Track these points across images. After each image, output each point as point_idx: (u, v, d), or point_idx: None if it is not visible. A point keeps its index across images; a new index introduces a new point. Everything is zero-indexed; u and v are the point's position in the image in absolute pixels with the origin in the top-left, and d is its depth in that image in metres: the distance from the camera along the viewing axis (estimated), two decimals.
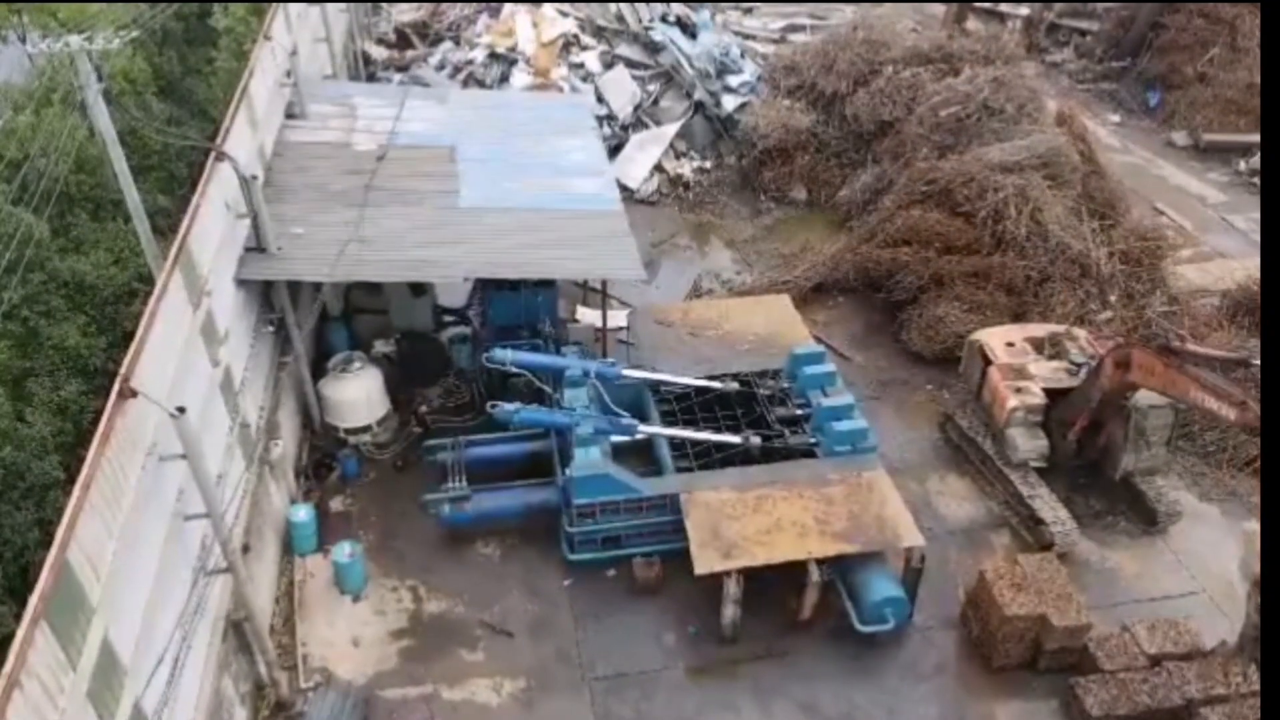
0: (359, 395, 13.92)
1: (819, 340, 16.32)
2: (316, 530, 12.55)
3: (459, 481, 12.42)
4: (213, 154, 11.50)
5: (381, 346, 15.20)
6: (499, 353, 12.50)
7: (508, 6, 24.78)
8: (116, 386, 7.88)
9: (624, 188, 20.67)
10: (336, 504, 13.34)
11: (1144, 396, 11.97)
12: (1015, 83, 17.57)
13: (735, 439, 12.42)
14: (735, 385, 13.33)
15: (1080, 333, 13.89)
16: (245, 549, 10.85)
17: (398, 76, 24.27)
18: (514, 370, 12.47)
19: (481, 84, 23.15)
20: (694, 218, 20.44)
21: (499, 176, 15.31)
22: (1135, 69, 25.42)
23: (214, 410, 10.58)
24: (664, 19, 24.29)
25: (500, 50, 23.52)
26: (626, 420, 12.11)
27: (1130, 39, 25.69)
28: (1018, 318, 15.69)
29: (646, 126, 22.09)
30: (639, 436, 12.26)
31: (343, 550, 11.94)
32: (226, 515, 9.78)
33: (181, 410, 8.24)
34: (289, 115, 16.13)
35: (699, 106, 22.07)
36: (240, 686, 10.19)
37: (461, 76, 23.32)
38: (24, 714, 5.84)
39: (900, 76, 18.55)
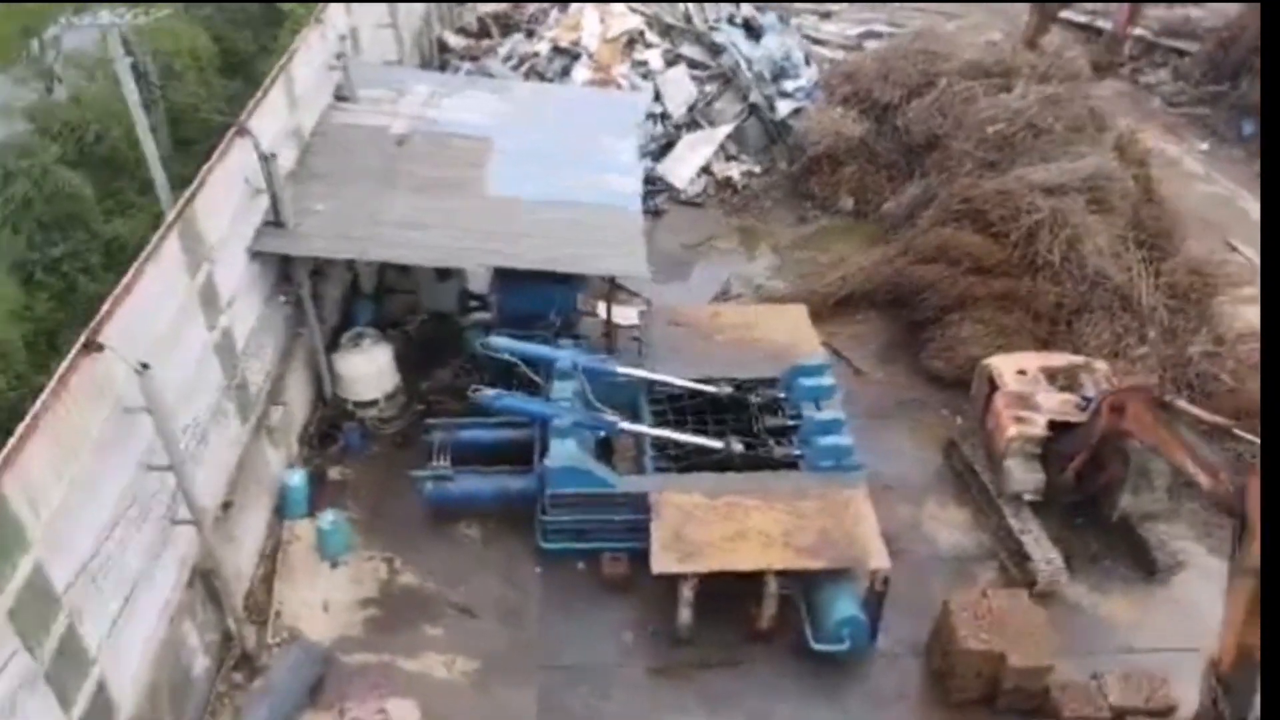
0: (368, 370, 14.38)
1: (837, 353, 16.13)
2: (309, 496, 13.05)
3: (444, 461, 12.73)
4: (233, 129, 12.06)
5: (403, 327, 15.71)
6: (494, 340, 12.76)
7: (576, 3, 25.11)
8: (82, 338, 8.41)
9: (670, 187, 20.83)
10: (335, 473, 13.82)
11: None
12: (1070, 102, 16.84)
13: (717, 444, 12.36)
14: (729, 390, 13.24)
15: (1101, 366, 13.27)
16: (227, 505, 11.41)
17: (466, 66, 24.88)
18: (511, 358, 12.69)
19: (543, 77, 23.53)
20: (736, 221, 20.31)
21: (530, 169, 15.51)
22: (1233, 95, 23.98)
23: (208, 371, 11.14)
24: (730, 20, 24.20)
25: (564, 45, 23.84)
26: (608, 416, 12.18)
27: (1230, 62, 24.25)
28: (1045, 346, 15.08)
29: (700, 127, 22.07)
30: (619, 433, 12.31)
31: (326, 517, 12.40)
32: (202, 470, 10.36)
33: (145, 366, 8.74)
34: (339, 97, 16.73)
35: (754, 110, 21.93)
36: (206, 635, 10.72)
37: (525, 69, 23.73)
38: None
39: (954, 89, 18.01)
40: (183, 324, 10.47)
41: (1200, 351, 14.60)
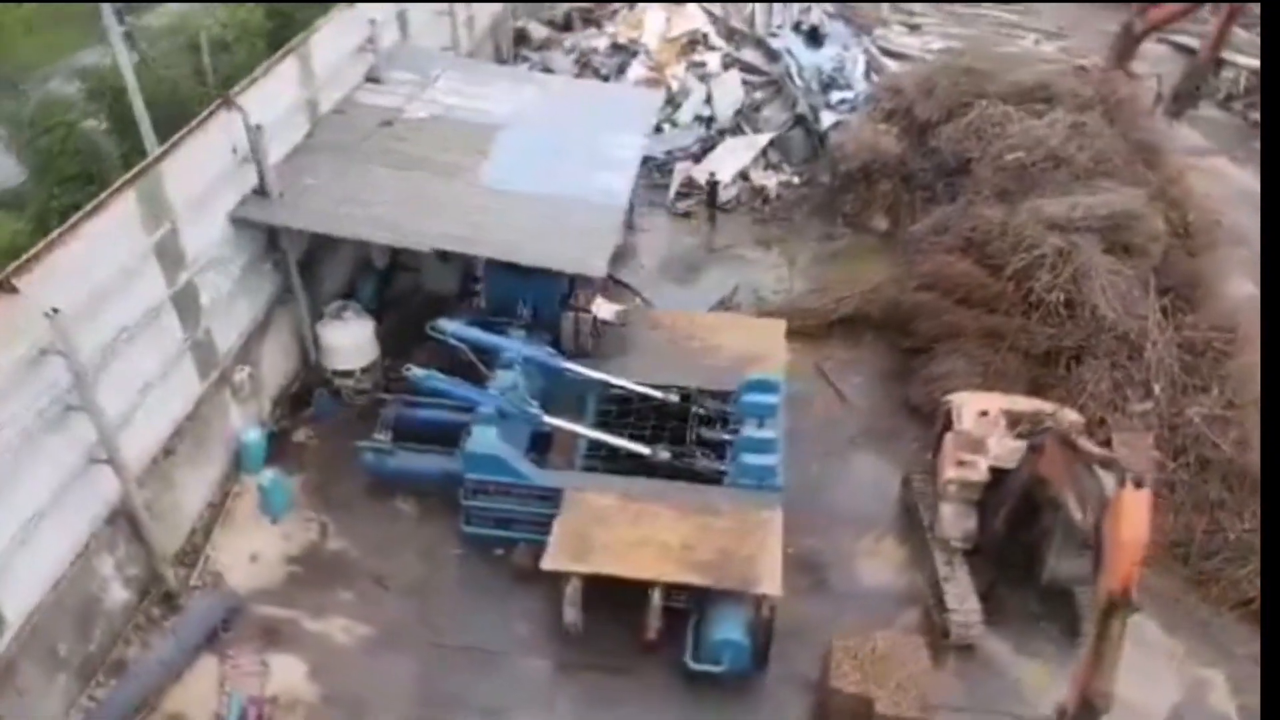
0: (347, 341, 14.94)
1: (824, 376, 15.74)
2: (265, 453, 13.71)
3: (385, 435, 13.15)
4: (220, 101, 12.79)
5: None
6: (443, 323, 13.07)
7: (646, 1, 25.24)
8: None
9: (701, 189, 20.68)
10: (300, 435, 14.48)
11: None
12: (1101, 134, 15.76)
13: (644, 450, 12.29)
14: (675, 398, 13.13)
15: (1070, 415, 12.43)
16: (168, 452, 12.15)
17: (533, 58, 25.39)
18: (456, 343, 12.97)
19: (598, 73, 23.79)
20: (762, 231, 19.99)
21: (531, 161, 15.76)
22: None
23: (162, 322, 11.87)
24: (796, 27, 23.80)
25: (623, 42, 24.00)
26: (532, 409, 12.30)
27: None
28: (1036, 390, 14.24)
29: (744, 133, 21.83)
30: (542, 426, 12.40)
31: (266, 475, 13.02)
32: (142, 415, 11.12)
33: (55, 311, 9.45)
34: (369, 79, 17.43)
35: (800, 120, 21.51)
36: (128, 570, 11.46)
37: (582, 65, 24.04)
38: None
39: (990, 111, 17.16)
40: (133, 276, 11.18)
41: (1203, 414, 13.45)
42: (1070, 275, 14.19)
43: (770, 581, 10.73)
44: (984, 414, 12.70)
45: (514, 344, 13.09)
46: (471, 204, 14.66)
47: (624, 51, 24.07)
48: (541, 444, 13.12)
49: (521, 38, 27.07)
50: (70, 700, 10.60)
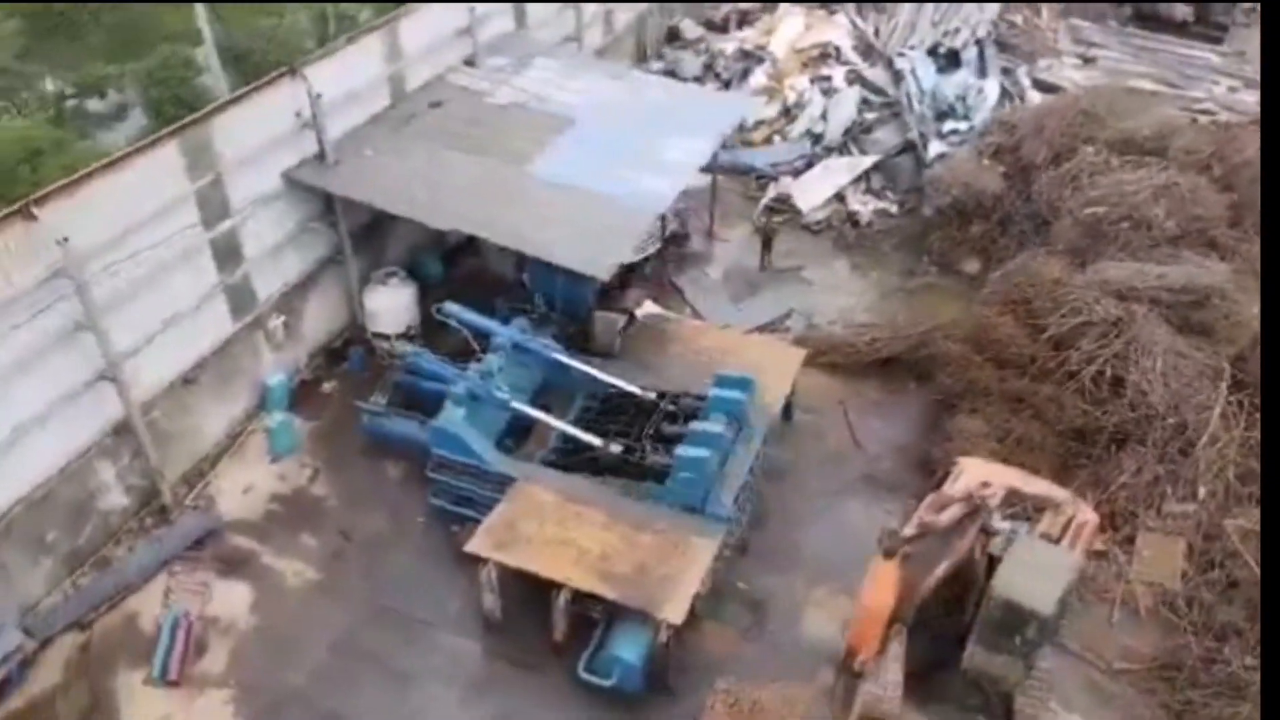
0: (388, 305, 15.83)
1: (845, 417, 15.11)
2: (288, 398, 14.80)
3: (382, 398, 13.87)
4: (286, 69, 13.88)
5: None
6: (449, 306, 13.61)
7: (784, 5, 24.70)
8: (17, 205, 10.48)
9: (792, 207, 20.21)
10: (327, 387, 15.50)
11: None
12: (1204, 197, 14.00)
13: (597, 441, 12.29)
14: (652, 395, 12.99)
15: (1083, 509, 11.30)
16: (188, 381, 13.41)
17: (669, 56, 25.53)
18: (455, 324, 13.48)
19: (719, 77, 23.63)
20: (843, 259, 19.27)
21: (586, 156, 16.01)
22: None
23: (197, 264, 13.09)
24: (934, 49, 22.62)
25: (750, 48, 23.68)
26: (502, 394, 12.56)
27: None
28: (1064, 469, 13.07)
29: (850, 153, 21.06)
30: (508, 409, 12.61)
31: (275, 418, 14.07)
32: (161, 342, 12.46)
33: (65, 239, 10.69)
34: (466, 63, 18.25)
35: (909, 146, 20.49)
36: (129, 479, 12.77)
37: (707, 67, 23.94)
38: None
39: (1093, 159, 15.67)
40: (167, 218, 12.40)
41: (1243, 529, 11.82)
42: (1121, 349, 12.78)
43: (674, 608, 10.50)
44: (985, 485, 11.81)
45: (505, 330, 13.40)
46: (514, 192, 15.08)
47: (750, 58, 23.76)
48: (520, 433, 13.37)
49: (674, 36, 27.25)
50: (54, 583, 11.99)
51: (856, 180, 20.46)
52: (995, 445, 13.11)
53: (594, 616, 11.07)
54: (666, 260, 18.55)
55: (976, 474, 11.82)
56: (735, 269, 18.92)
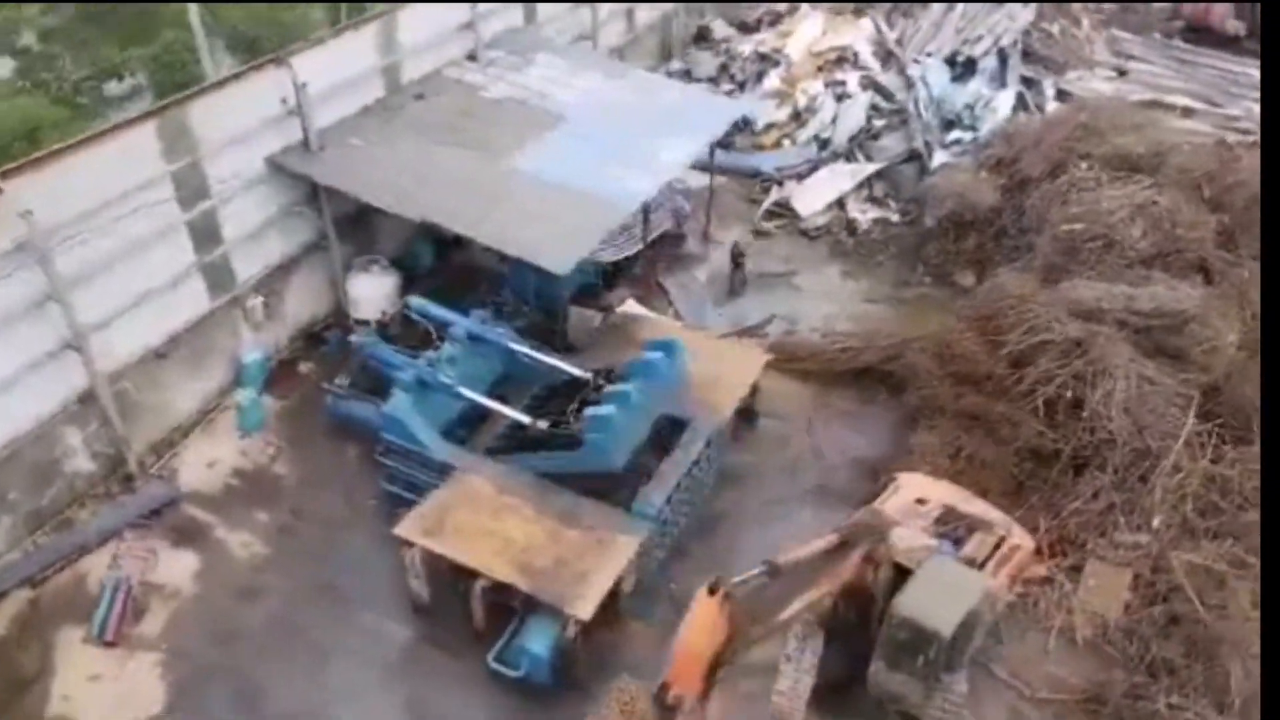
0: (369, 293, 16.16)
1: (809, 425, 14.99)
2: (261, 375, 15.22)
3: (344, 380, 14.21)
4: (269, 58, 14.29)
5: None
6: (413, 300, 13.90)
7: (804, 7, 24.46)
8: None
9: (792, 212, 20.07)
10: (304, 368, 15.91)
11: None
12: (1198, 218, 13.48)
13: (526, 419, 12.43)
14: (589, 375, 13.00)
15: (1017, 534, 11.11)
16: (160, 356, 13.91)
17: (687, 56, 25.51)
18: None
19: (734, 79, 23.53)
20: (836, 265, 19.07)
21: (573, 154, 16.14)
22: None
23: (171, 241, 13.56)
24: (953, 57, 22.18)
25: (767, 50, 23.52)
26: (446, 380, 12.74)
27: None
28: (1017, 490, 12.81)
29: (856, 160, 20.80)
30: (453, 394, 12.76)
31: (245, 394, 14.51)
32: (131, 316, 12.97)
33: (29, 212, 11.20)
34: (469, 57, 18.51)
35: (915, 155, 20.15)
36: (95, 445, 13.30)
37: (722, 69, 23.85)
38: None
39: (1083, 175, 15.23)
40: (143, 194, 12.86)
41: (1190, 563, 11.41)
42: (1081, 370, 12.43)
43: (583, 604, 10.56)
44: (921, 502, 11.68)
45: (462, 321, 13.58)
46: (493, 186, 15.28)
47: (766, 60, 23.60)
48: (474, 422, 13.53)
49: (703, 36, 27.20)
50: (14, 540, 12.57)
51: (859, 187, 20.21)
52: (947, 462, 12.85)
53: (514, 607, 11.18)
54: (656, 260, 18.57)
55: (914, 490, 11.72)
56: (725, 272, 18.82)
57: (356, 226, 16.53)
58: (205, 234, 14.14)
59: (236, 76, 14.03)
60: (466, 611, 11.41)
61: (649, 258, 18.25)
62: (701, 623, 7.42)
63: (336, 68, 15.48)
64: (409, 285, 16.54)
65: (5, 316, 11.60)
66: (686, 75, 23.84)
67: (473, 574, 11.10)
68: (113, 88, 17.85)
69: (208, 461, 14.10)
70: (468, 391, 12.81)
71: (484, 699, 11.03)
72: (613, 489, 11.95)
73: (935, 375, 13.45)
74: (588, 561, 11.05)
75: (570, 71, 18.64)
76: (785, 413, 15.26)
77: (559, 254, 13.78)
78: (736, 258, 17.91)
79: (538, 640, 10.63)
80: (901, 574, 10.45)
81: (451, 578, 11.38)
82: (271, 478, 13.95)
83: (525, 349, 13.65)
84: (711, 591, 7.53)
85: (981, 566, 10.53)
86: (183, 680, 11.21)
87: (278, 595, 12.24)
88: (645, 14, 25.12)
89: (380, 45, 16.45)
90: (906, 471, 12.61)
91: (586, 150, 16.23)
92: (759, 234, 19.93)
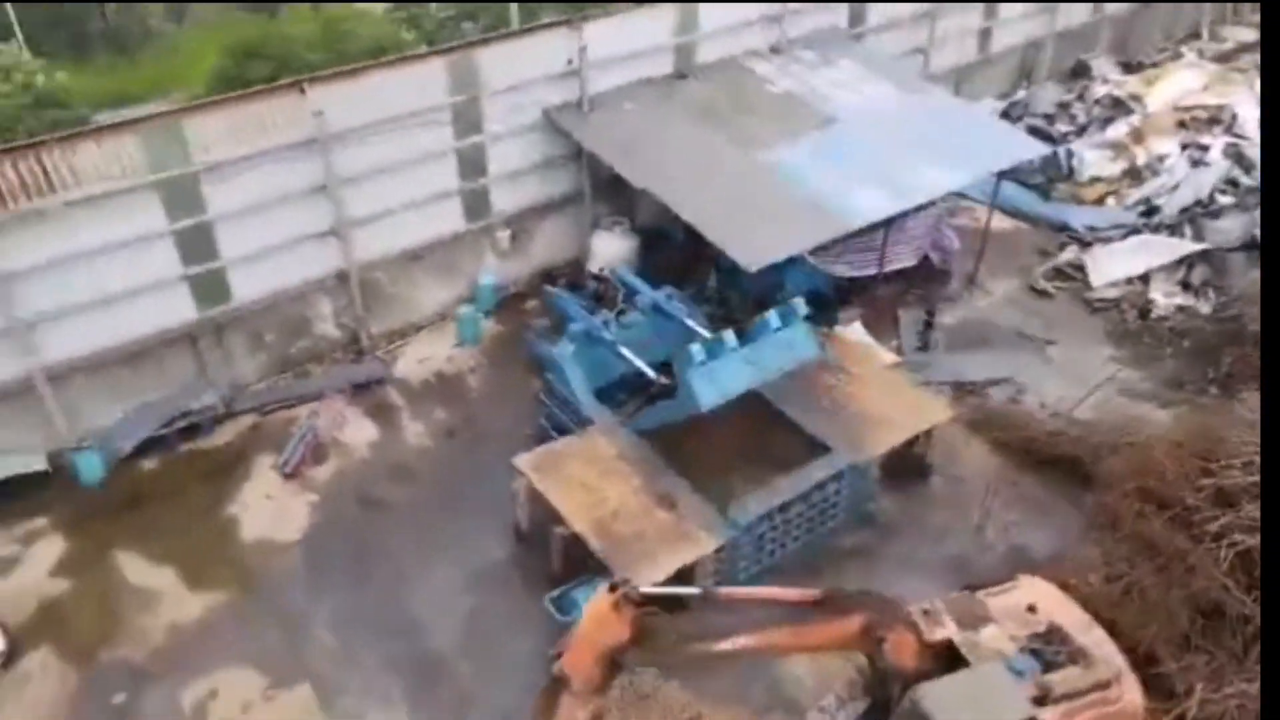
0: (605, 250, 17.23)
1: (985, 496, 13.73)
2: (491, 300, 16.96)
3: (543, 323, 15.43)
4: (561, 22, 15.68)
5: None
6: (618, 266, 14.77)
7: (1189, 56, 21.32)
8: (294, 80, 13.47)
9: (1083, 275, 18.12)
10: (530, 304, 17.38)
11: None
12: None
13: (651, 372, 12.76)
14: None
15: (1129, 690, 9.43)
16: (416, 258, 16.06)
17: (1040, 90, 23.46)
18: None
19: (1074, 120, 21.28)
20: (1108, 346, 16.76)
21: (824, 157, 15.79)
22: None
23: (440, 164, 15.54)
24: None
25: (1122, 95, 20.93)
26: (607, 336, 13.32)
27: None
28: (1184, 642, 10.75)
29: (1182, 235, 18.04)
30: (619, 349, 13.30)
31: (464, 310, 16.30)
32: (395, 218, 15.19)
33: (321, 113, 13.53)
34: (772, 49, 18.71)
35: (1254, 245, 16.98)
36: (341, 317, 15.80)
37: (1061, 107, 21.64)
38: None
39: None
40: (421, 120, 14.87)
41: None
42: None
43: (639, 579, 10.71)
44: (1032, 610, 10.34)
45: (648, 292, 14.06)
46: (729, 170, 15.54)
47: (1120, 107, 21.02)
48: (635, 390, 13.98)
49: (1080, 71, 24.86)
50: (262, 374, 15.41)
51: (1173, 266, 17.51)
52: (1106, 585, 11.08)
53: (589, 563, 11.63)
54: (905, 290, 17.66)
55: (1032, 595, 10.39)
56: (975, 322, 17.39)
57: (614, 189, 17.53)
58: (472, 164, 15.99)
59: (529, 31, 15.57)
60: (549, 552, 12.07)
61: (891, 284, 17.41)
62: (594, 614, 7.31)
63: (627, 38, 16.52)
64: (649, 253, 17.38)
65: (287, 194, 14.14)
66: (1023, 108, 21.99)
67: (560, 519, 11.71)
68: (467, 27, 20.49)
69: (421, 358, 16.10)
70: (625, 350, 13.30)
71: (532, 633, 11.60)
72: (728, 492, 11.92)
73: (1123, 481, 11.54)
74: (663, 545, 11.17)
75: (864, 79, 18.16)
76: (963, 477, 13.99)
77: (755, 250, 13.75)
78: (929, 316, 16.52)
79: (587, 597, 11.00)
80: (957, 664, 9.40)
81: (545, 517, 12.07)
82: (463, 387, 15.60)
83: (702, 330, 13.83)
84: (611, 589, 7.38)
85: (1052, 702, 9.08)
86: (321, 522, 13.14)
87: (421, 483, 13.78)
88: (1007, 37, 23.53)
89: (678, 24, 17.23)
90: (1051, 577, 11.07)
91: (838, 157, 15.85)
92: (1036, 291, 18.09)
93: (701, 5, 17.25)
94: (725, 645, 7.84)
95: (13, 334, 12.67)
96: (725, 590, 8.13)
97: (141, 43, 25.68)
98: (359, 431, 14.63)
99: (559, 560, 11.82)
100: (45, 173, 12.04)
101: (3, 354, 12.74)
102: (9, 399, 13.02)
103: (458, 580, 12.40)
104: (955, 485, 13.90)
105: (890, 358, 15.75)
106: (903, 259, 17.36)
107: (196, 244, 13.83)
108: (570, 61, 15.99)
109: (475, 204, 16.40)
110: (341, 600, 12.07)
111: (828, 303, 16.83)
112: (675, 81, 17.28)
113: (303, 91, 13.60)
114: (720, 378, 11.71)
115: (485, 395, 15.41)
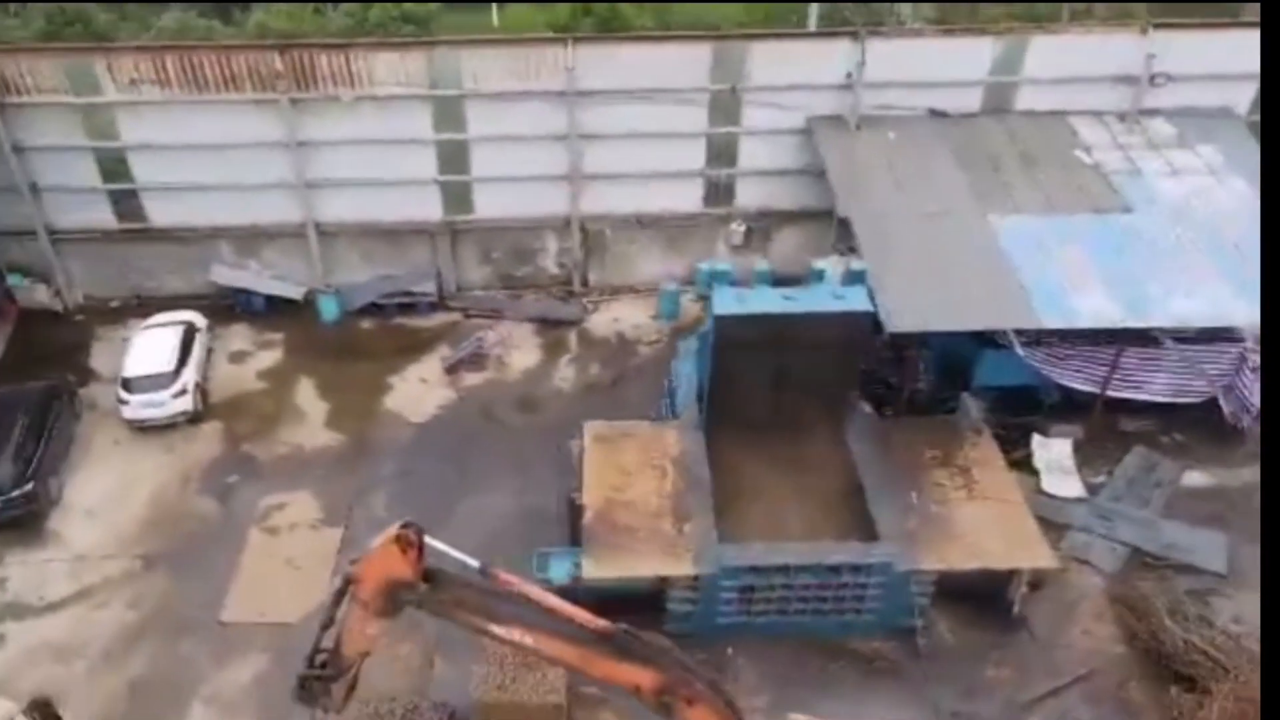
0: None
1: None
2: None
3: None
4: (851, 30, 15.13)
5: None
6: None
7: None
8: (561, 37, 14.90)
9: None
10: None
11: None
12: None
13: None
14: None
15: None
16: (643, 225, 17.00)
17: None
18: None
19: None
20: None
21: (1071, 243, 13.77)
22: None
23: (686, 144, 16.17)
24: None
25: None
26: None
27: None
28: None
29: None
30: None
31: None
32: (636, 179, 16.25)
33: (571, 68, 14.88)
34: (1120, 116, 16.06)
35: None
36: (561, 257, 17.33)
37: None
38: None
39: None
40: (681, 96, 15.50)
41: None
42: None
43: (596, 568, 10.97)
44: None
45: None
46: (946, 223, 14.13)
47: None
48: None
49: None
50: (485, 284, 17.54)
51: None
52: None
53: None
54: (1168, 430, 14.57)
55: None
56: (1227, 495, 13.80)
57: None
58: (721, 152, 16.33)
59: (809, 35, 15.35)
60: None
61: (1145, 416, 14.45)
62: (383, 541, 7.45)
63: (916, 64, 15.48)
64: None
65: (533, 135, 15.76)
66: None
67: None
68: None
69: (616, 316, 17.10)
70: None
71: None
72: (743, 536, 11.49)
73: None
74: (646, 550, 11.17)
75: (1217, 170, 14.99)
76: (1059, 645, 11.77)
77: (908, 312, 12.46)
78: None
79: (560, 563, 11.41)
80: None
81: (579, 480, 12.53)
82: (632, 354, 16.34)
83: None
84: (403, 527, 7.51)
85: None
86: (445, 417, 14.97)
87: (540, 419, 14.91)
88: None
89: (997, 63, 15.64)
90: None
91: (1092, 248, 13.57)
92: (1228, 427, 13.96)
93: (1040, 45, 15.40)
94: (499, 631, 7.79)
95: (301, 190, 16.03)
96: (507, 576, 7.93)
97: None
98: (524, 357, 16.15)
99: (570, 521, 12.25)
100: (349, 69, 14.92)
101: (292, 202, 16.18)
102: (291, 238, 16.56)
103: (508, 510, 13.38)
104: (1042, 651, 11.68)
105: (1020, 487, 12.98)
106: (1168, 392, 14.20)
107: (453, 157, 16.13)
108: (849, 75, 15.43)
109: (716, 192, 16.76)
110: (411, 484, 13.77)
111: (1039, 405, 14.51)
112: (966, 119, 15.77)
113: (566, 48, 15.01)
114: (748, 301, 11.97)
115: (646, 366, 15.99)
